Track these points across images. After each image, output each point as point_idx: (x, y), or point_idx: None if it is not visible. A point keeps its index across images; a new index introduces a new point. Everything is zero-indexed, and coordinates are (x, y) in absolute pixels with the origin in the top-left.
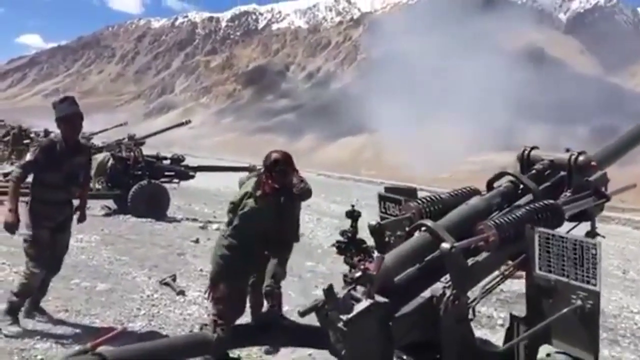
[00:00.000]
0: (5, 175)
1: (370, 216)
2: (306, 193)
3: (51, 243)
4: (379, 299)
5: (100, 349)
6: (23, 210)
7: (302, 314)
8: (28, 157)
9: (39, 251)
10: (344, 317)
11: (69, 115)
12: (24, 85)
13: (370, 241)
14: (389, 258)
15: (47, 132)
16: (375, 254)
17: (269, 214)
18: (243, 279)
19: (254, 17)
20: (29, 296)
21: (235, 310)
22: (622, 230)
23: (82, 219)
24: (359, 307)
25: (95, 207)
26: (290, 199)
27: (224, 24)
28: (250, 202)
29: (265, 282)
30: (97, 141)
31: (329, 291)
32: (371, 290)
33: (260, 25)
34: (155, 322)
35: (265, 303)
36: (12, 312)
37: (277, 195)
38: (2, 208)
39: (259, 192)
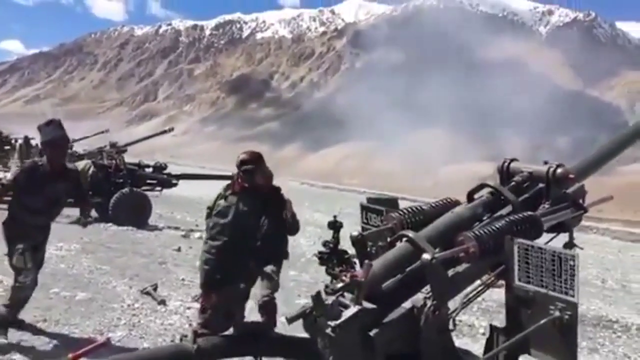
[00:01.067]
0: None
1: (352, 226)
2: (294, 226)
3: (35, 255)
4: (367, 305)
5: None
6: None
7: (290, 320)
8: (9, 176)
9: (27, 260)
10: (332, 324)
11: (55, 139)
12: (4, 92)
13: (352, 251)
14: (377, 265)
15: (27, 139)
16: (357, 264)
17: (240, 212)
18: (228, 286)
19: (238, 26)
20: (20, 307)
21: (218, 321)
22: (601, 239)
23: (85, 225)
24: (347, 314)
25: (75, 214)
26: (268, 205)
27: (208, 32)
28: (221, 202)
29: (259, 293)
30: (78, 148)
31: (317, 298)
32: (359, 296)
33: (245, 34)
34: (136, 331)
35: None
36: (2, 324)
37: (250, 196)
38: None
39: (228, 192)
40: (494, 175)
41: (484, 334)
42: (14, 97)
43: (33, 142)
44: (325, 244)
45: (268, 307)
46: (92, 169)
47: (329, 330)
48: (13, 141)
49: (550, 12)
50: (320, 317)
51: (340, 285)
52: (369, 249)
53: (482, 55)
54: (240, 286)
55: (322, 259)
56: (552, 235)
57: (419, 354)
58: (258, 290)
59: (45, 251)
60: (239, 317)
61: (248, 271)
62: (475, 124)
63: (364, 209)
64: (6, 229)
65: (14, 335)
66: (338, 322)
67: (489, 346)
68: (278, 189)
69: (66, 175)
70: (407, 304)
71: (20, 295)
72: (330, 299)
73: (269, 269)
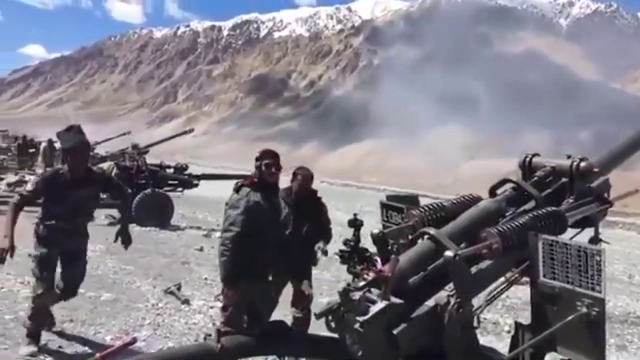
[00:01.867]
0: (10, 185)
1: (372, 224)
2: (330, 233)
3: (55, 263)
4: (395, 300)
5: None
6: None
7: (319, 316)
8: (29, 186)
9: (42, 269)
10: (360, 319)
11: (75, 146)
12: (27, 96)
13: (373, 249)
14: (402, 261)
15: (50, 142)
16: (378, 262)
17: (251, 204)
18: (245, 282)
19: (255, 25)
20: (42, 317)
21: (239, 319)
22: (627, 234)
23: (125, 242)
24: (374, 309)
25: (99, 216)
26: (287, 206)
27: (225, 32)
28: (234, 195)
29: (293, 308)
30: (100, 151)
31: (344, 294)
32: (386, 291)
33: (262, 33)
34: (161, 331)
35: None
36: (31, 335)
37: (261, 190)
38: (0, 217)
39: (240, 184)
40: (515, 170)
41: (508, 331)
42: (38, 101)
43: (57, 145)
44: (346, 242)
45: (301, 324)
46: (114, 170)
47: (357, 326)
48: (37, 144)
49: (571, 4)
50: (348, 313)
51: (367, 280)
52: (390, 247)
53: (502, 49)
54: (261, 285)
55: (343, 257)
56: (576, 230)
57: (443, 352)
58: (293, 304)
59: (84, 263)
60: (265, 317)
61: (270, 270)
62: (495, 119)
63: (384, 206)
64: (35, 233)
65: (41, 337)
66: (366, 317)
67: (514, 344)
68: (316, 192)
69: (91, 180)
70: (430, 302)
71: (36, 305)
72: (357, 295)
73: (299, 279)
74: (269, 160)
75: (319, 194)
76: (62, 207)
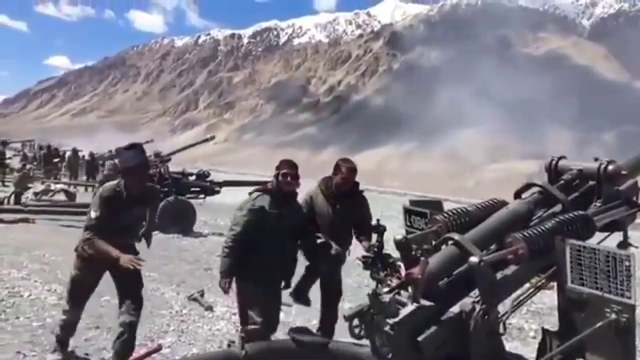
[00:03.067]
0: (36, 194)
1: (394, 229)
2: (368, 227)
3: (91, 288)
4: (425, 302)
5: None
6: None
7: (348, 318)
8: (92, 214)
9: (74, 292)
10: (390, 321)
11: (135, 167)
12: (52, 106)
13: (396, 254)
14: (433, 262)
15: (75, 151)
16: (402, 268)
17: (255, 209)
18: (244, 283)
19: (275, 32)
20: (69, 330)
21: (244, 319)
22: None
23: (148, 242)
24: (405, 311)
25: None
26: (329, 198)
27: (245, 40)
28: (245, 198)
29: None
30: None
31: (374, 296)
32: (416, 293)
33: (282, 40)
34: (185, 337)
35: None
36: (59, 343)
37: (273, 196)
38: (28, 226)
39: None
40: (539, 173)
41: (534, 337)
42: (62, 111)
43: (80, 154)
44: (369, 247)
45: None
46: None
47: (387, 328)
48: (62, 154)
49: (594, 4)
50: (377, 315)
51: (391, 286)
52: (413, 252)
53: (523, 50)
54: (262, 285)
55: (366, 263)
56: (604, 234)
57: (468, 359)
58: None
59: (136, 276)
60: (272, 318)
61: (271, 272)
62: (517, 121)
63: (407, 211)
64: (79, 251)
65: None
66: (396, 319)
67: (541, 350)
68: (358, 185)
69: (144, 198)
70: (455, 309)
71: (65, 319)
72: (387, 297)
73: (326, 305)
74: (287, 170)
75: (361, 187)
76: (115, 225)
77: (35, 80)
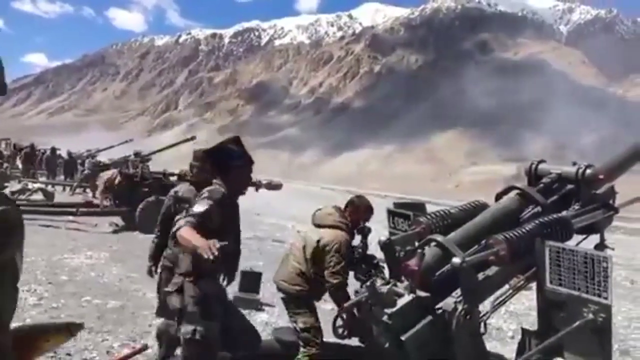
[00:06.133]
0: (13, 193)
1: (378, 229)
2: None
3: None
4: (421, 293)
5: None
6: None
7: (346, 309)
8: (199, 208)
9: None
10: (388, 311)
11: (247, 162)
12: (29, 104)
13: (380, 255)
14: (429, 254)
15: (53, 150)
16: (386, 269)
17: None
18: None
19: (256, 33)
20: None
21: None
22: (630, 240)
23: None
24: (402, 301)
25: (103, 224)
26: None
27: (227, 40)
28: None
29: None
30: (103, 158)
31: (372, 287)
32: (413, 285)
33: (263, 41)
34: None
35: None
36: None
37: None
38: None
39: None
40: (517, 176)
41: (512, 337)
42: (39, 109)
43: (58, 153)
44: (353, 249)
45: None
46: (118, 178)
47: (385, 318)
48: (40, 153)
49: (571, 10)
50: (375, 306)
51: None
52: (396, 254)
53: (502, 55)
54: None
55: (351, 263)
56: (582, 237)
57: (451, 358)
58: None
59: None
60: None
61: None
62: (496, 125)
63: (391, 213)
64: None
65: None
66: (394, 309)
67: (521, 350)
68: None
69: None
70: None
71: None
72: (384, 288)
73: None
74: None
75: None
76: (228, 237)
77: (11, 78)
